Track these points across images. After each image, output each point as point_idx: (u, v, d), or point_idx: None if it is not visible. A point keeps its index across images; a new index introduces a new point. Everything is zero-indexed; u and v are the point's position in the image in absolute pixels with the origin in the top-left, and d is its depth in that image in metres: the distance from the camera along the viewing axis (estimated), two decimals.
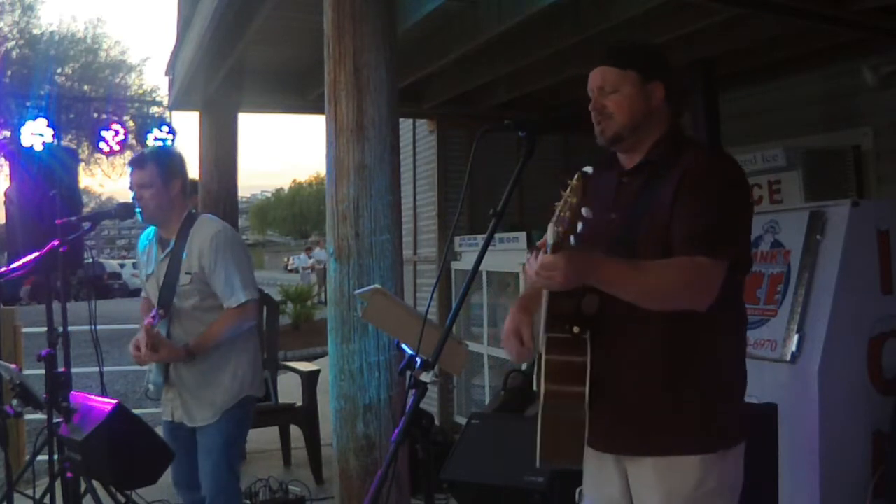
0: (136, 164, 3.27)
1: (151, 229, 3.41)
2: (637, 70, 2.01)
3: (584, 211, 1.69)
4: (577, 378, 1.87)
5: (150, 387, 3.33)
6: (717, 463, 1.94)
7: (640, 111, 2.01)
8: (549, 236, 1.74)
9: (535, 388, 2.17)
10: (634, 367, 1.94)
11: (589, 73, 2.07)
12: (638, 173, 2.04)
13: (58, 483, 3.23)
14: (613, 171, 2.09)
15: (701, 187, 1.89)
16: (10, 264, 3.58)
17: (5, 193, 5.44)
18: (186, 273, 3.21)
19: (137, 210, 3.26)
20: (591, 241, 2.06)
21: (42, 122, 5.35)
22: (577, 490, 2.27)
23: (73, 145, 14.96)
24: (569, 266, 1.74)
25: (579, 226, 1.72)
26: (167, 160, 3.31)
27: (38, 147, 5.30)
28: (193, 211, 3.39)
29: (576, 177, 1.71)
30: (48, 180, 4.95)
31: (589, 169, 1.81)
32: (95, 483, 3.33)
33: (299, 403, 5.69)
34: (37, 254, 3.25)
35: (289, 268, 42.83)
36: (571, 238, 1.72)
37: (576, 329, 1.88)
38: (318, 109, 4.63)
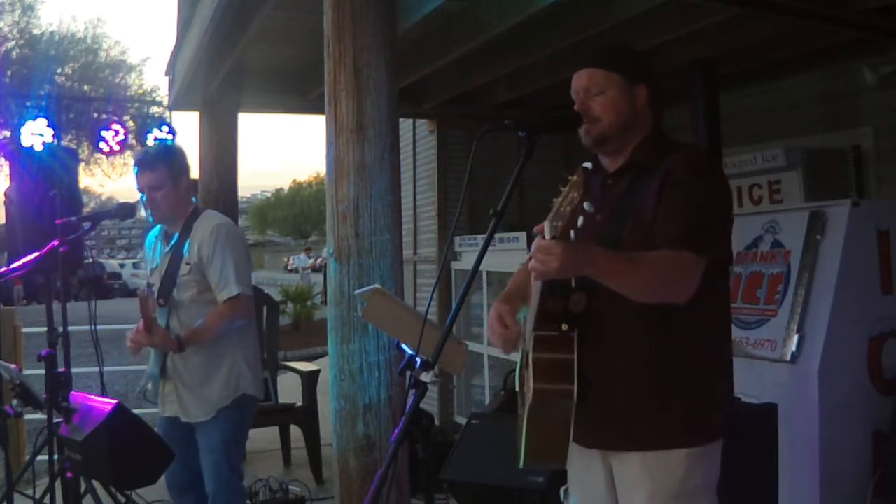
0: (145, 166, 3.26)
1: (158, 227, 3.42)
2: (622, 73, 2.04)
3: (586, 205, 1.67)
4: (566, 375, 1.89)
5: (149, 385, 3.34)
6: (702, 458, 1.97)
7: (626, 113, 2.03)
8: (546, 231, 1.74)
9: (516, 388, 2.18)
10: (621, 364, 1.96)
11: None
12: (622, 175, 2.06)
13: (58, 483, 3.23)
14: (598, 173, 2.11)
15: (682, 187, 1.92)
16: (10, 264, 3.58)
17: (5, 193, 5.42)
18: (186, 264, 3.22)
19: (148, 211, 3.27)
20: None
21: (42, 122, 5.34)
22: (563, 489, 2.27)
23: (73, 145, 14.97)
24: (565, 254, 1.72)
25: (580, 220, 1.71)
26: (175, 159, 3.32)
27: (38, 147, 5.29)
28: (199, 207, 3.40)
29: (576, 172, 1.70)
30: (48, 180, 4.94)
31: (589, 165, 1.81)
32: (95, 483, 3.34)
33: (299, 403, 5.69)
34: (37, 254, 3.26)
35: (289, 268, 42.89)
36: (571, 232, 1.71)
37: (564, 326, 1.89)
38: (318, 109, 4.63)
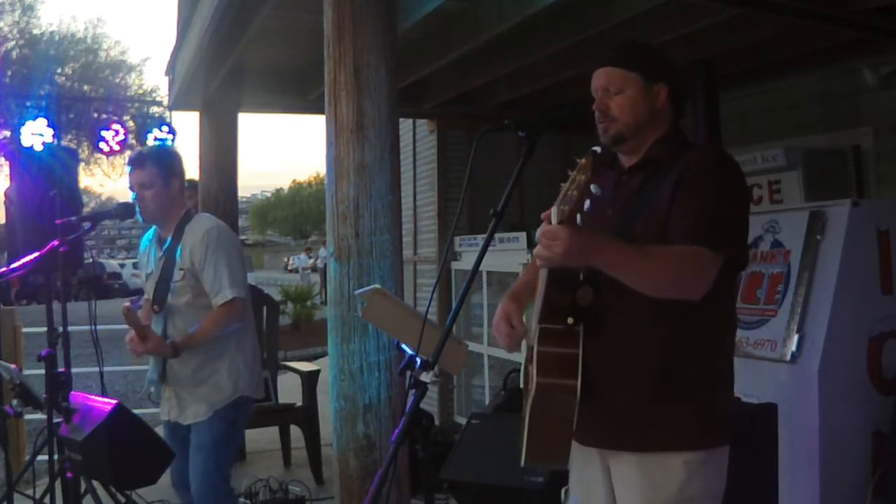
0: (135, 164, 3.27)
1: (152, 230, 3.42)
2: (642, 72, 2.00)
3: (593, 188, 1.63)
4: (570, 370, 1.86)
5: (152, 389, 3.34)
6: (703, 465, 1.92)
7: (644, 113, 2.00)
8: (553, 216, 1.69)
9: (521, 385, 2.16)
10: (626, 361, 1.93)
11: (591, 73, 2.06)
12: (637, 171, 2.03)
13: (58, 483, 3.24)
14: (613, 169, 2.09)
15: (700, 185, 1.89)
16: (10, 264, 3.58)
17: (5, 193, 5.43)
18: (180, 269, 3.22)
19: (137, 210, 3.26)
20: None
21: (42, 122, 5.34)
22: (563, 489, 2.27)
23: (73, 145, 14.97)
24: (571, 239, 1.66)
25: (587, 204, 1.65)
26: (167, 160, 3.32)
27: (38, 147, 5.29)
28: (191, 210, 3.40)
29: (585, 155, 1.66)
30: (48, 180, 4.94)
31: (598, 148, 1.77)
32: (95, 483, 3.34)
33: (299, 403, 5.69)
34: (37, 254, 3.26)
35: (289, 268, 42.89)
36: (578, 217, 1.66)
37: (570, 320, 1.86)
38: (318, 109, 4.63)
